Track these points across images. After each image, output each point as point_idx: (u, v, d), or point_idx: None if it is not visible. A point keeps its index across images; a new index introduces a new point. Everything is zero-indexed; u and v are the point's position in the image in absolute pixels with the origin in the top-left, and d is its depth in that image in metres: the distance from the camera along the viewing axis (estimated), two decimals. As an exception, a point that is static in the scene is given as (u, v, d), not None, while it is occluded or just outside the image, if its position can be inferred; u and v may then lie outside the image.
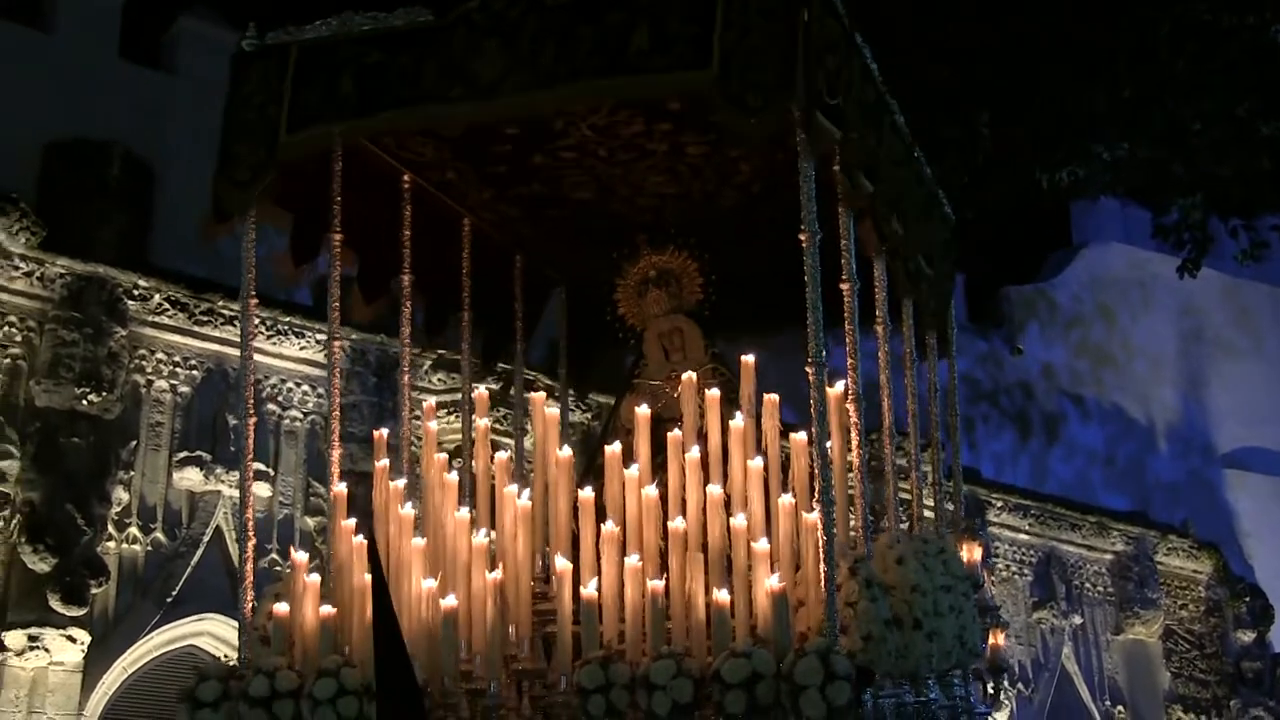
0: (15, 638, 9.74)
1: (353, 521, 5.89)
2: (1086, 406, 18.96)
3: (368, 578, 5.51)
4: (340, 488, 6.06)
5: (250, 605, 5.95)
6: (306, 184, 6.29)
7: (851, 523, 6.17)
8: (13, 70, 11.44)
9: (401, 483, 6.10)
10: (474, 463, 6.51)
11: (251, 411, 6.07)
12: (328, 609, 5.73)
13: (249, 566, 5.97)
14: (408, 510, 5.94)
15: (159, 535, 10.65)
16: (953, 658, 6.13)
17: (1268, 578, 18.11)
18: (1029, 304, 18.92)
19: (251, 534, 5.96)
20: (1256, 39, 11.58)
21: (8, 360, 10.22)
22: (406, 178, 6.92)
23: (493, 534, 6.07)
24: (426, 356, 11.56)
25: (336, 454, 6.30)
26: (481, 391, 6.79)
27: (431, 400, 6.75)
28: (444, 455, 6.22)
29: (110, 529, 10.35)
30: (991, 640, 7.32)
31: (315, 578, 5.83)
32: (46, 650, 9.79)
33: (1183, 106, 11.92)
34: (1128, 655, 16.68)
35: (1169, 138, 12.11)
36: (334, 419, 6.28)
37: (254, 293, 6.22)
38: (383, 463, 6.16)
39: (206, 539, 10.74)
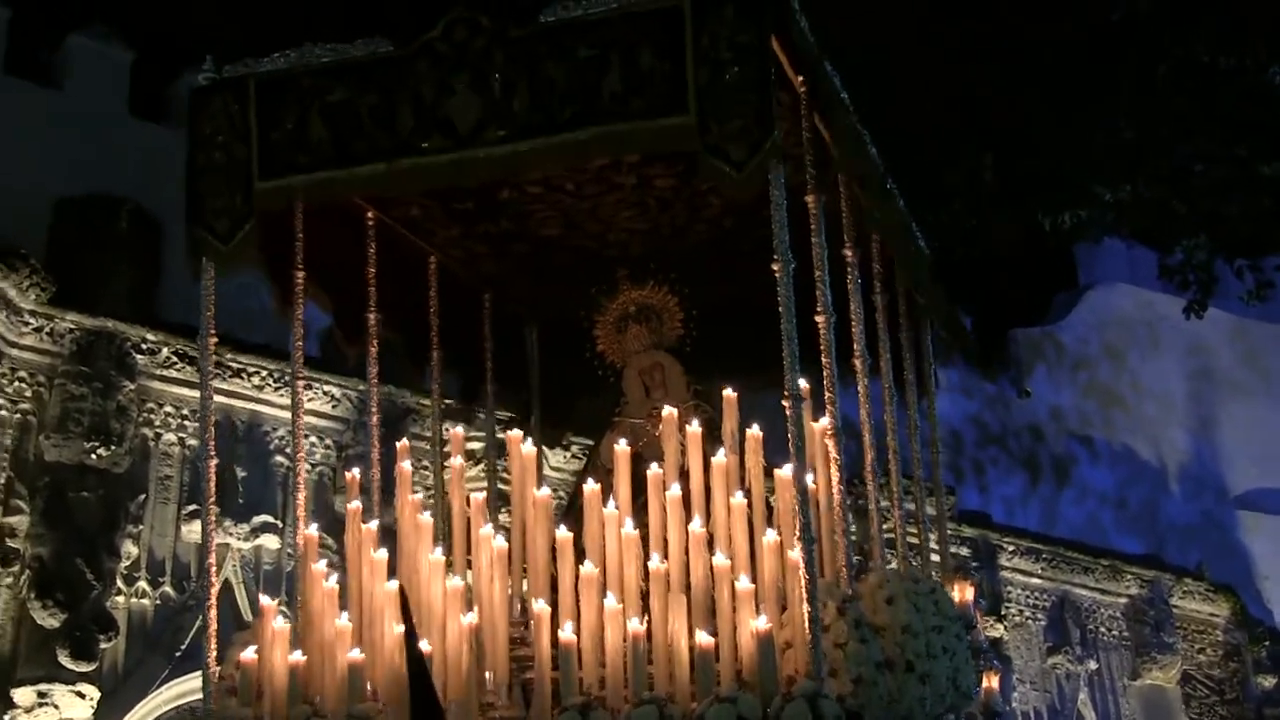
0: (24, 694, 9.66)
1: (323, 565, 5.83)
2: (1096, 448, 18.74)
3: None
4: (311, 530, 6.00)
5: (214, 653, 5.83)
6: (276, 224, 6.16)
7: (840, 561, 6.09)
8: (22, 126, 11.48)
9: (374, 525, 5.98)
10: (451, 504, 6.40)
11: (212, 453, 5.94)
12: (297, 656, 5.62)
13: (213, 614, 5.90)
14: (380, 555, 5.82)
15: (168, 589, 10.57)
16: (946, 700, 5.98)
17: (1287, 621, 17.89)
18: (1036, 346, 18.72)
19: (214, 579, 5.92)
20: (1255, 80, 11.60)
21: (17, 415, 10.22)
22: (370, 214, 6.83)
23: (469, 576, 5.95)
24: (426, 405, 11.48)
25: (303, 496, 6.23)
26: (456, 431, 6.63)
27: (404, 441, 6.68)
28: (417, 497, 6.15)
29: (119, 583, 10.29)
30: (985, 683, 7.21)
31: (284, 624, 5.73)
32: (56, 706, 9.70)
33: (1183, 146, 11.93)
34: (1146, 701, 16.32)
35: (1170, 178, 12.10)
36: (299, 460, 6.19)
37: (219, 334, 6.07)
38: (355, 504, 6.06)
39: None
